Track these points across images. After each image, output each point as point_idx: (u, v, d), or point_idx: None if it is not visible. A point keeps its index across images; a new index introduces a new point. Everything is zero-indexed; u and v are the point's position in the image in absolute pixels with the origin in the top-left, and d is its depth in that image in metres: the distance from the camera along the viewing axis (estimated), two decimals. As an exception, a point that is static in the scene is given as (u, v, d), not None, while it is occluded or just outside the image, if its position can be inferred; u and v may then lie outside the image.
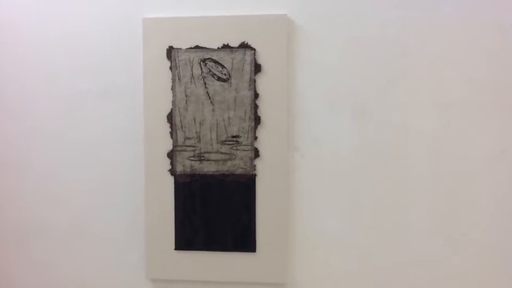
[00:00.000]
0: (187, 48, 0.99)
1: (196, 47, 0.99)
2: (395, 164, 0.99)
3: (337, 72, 0.98)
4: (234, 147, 0.99)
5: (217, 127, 0.99)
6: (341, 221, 1.00)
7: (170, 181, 1.00)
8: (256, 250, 1.00)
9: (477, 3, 0.96)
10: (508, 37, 0.95)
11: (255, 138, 0.99)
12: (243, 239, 0.99)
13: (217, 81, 0.98)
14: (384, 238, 1.00)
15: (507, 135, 0.96)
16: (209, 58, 0.99)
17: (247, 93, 0.98)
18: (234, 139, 0.99)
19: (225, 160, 0.99)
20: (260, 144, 0.99)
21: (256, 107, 0.98)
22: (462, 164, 0.98)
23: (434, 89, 0.97)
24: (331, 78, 0.99)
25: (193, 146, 0.99)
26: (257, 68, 0.98)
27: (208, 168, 0.99)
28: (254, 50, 0.98)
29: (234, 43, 0.98)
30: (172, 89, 1.00)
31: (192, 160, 0.99)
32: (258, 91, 0.98)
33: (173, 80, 1.00)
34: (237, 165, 0.99)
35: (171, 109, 1.00)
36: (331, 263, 1.01)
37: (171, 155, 1.00)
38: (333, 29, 0.98)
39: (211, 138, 0.99)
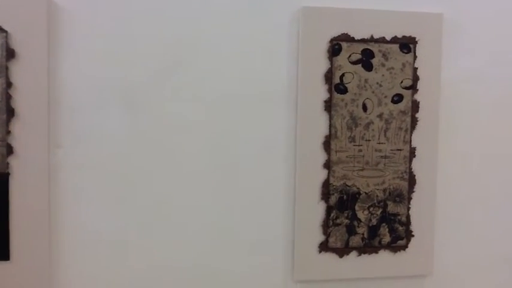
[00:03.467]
0: None
1: None
2: (169, 159, 0.95)
3: (107, 62, 0.91)
4: (-18, 143, 0.87)
5: (-40, 119, 0.86)
6: (112, 221, 0.93)
7: None
8: (11, 258, 0.88)
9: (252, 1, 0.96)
10: (279, 35, 0.96)
11: (8, 132, 0.88)
12: (-7, 247, 0.88)
13: (-39, 66, 0.86)
14: (159, 236, 0.95)
15: (276, 129, 0.97)
16: (-48, 40, 0.86)
17: (-2, 82, 0.87)
18: (-18, 133, 0.87)
19: (-30, 157, 0.86)
20: (15, 140, 0.88)
21: (9, 97, 0.87)
22: (235, 157, 0.97)
23: (208, 83, 0.95)
24: (100, 69, 0.91)
25: None
26: (10, 54, 0.87)
27: (-51, 166, 0.86)
28: (6, 32, 0.87)
29: (-17, 24, 0.86)
30: None
31: None
32: (11, 80, 0.87)
33: None
34: (-16, 163, 0.87)
35: None
36: (100, 264, 0.94)
37: None
38: (103, 16, 0.91)
39: (-48, 132, 0.86)
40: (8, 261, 0.88)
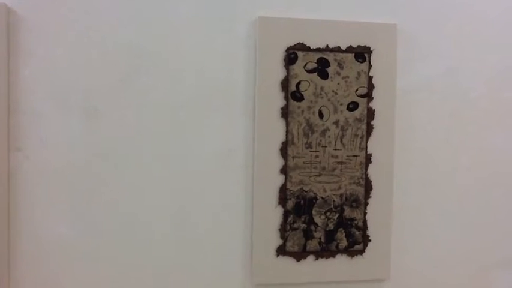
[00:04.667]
0: None
1: None
2: (128, 166, 0.97)
3: (67, 69, 0.94)
4: None
5: None
6: (72, 227, 0.95)
7: None
8: (-32, 262, 0.90)
9: (209, 8, 0.98)
10: (237, 44, 0.99)
11: (-33, 137, 0.90)
12: None
13: None
14: (118, 242, 0.97)
15: (233, 136, 1.00)
16: None
17: (-43, 87, 0.89)
18: None
19: None
20: (-26, 144, 0.90)
21: (-31, 102, 0.90)
22: (194, 163, 0.99)
23: (166, 89, 0.97)
24: (60, 75, 0.94)
25: None
26: (-30, 60, 0.89)
27: None
28: (-33, 40, 0.89)
29: None
30: None
31: None
32: (-29, 85, 0.90)
33: None
34: None
35: None
36: (60, 270, 0.95)
37: None
38: (62, 24, 0.94)
39: None
40: (-35, 264, 0.90)
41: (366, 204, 1.04)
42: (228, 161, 1.00)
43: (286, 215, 1.01)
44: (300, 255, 1.02)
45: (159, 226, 0.98)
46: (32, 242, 0.94)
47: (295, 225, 1.01)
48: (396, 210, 1.06)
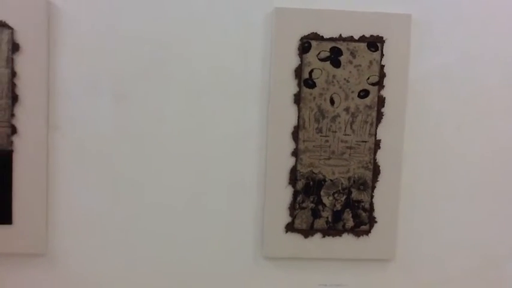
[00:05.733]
0: None
1: (-45, 23, 1.00)
2: (151, 147, 1.06)
3: (98, 56, 1.04)
4: (-10, 124, 1.01)
5: (-27, 103, 1.01)
6: (101, 201, 1.06)
7: None
8: (13, 222, 1.03)
9: (229, 0, 1.05)
10: (254, 34, 1.05)
11: (12, 115, 1.02)
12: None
13: (-26, 58, 1.00)
14: (142, 217, 1.08)
15: (250, 120, 1.07)
16: (-33, 35, 1.00)
17: (4, 72, 1.01)
18: (-10, 115, 1.01)
19: (-20, 135, 1.01)
20: (18, 122, 1.02)
21: (14, 85, 1.01)
22: (212, 145, 1.07)
23: (187, 77, 1.05)
24: (92, 62, 1.04)
25: None
26: (15, 47, 1.01)
27: (-37, 143, 1.01)
28: (12, 29, 1.00)
29: (-7, 21, 1.00)
30: None
31: None
32: (16, 70, 1.01)
33: None
34: (-8, 141, 1.02)
35: None
36: (91, 237, 1.07)
37: None
38: (96, 16, 1.03)
39: (-34, 114, 1.01)
40: (10, 225, 1.03)
41: (374, 187, 1.09)
42: (243, 143, 1.08)
43: (295, 194, 1.08)
44: (307, 232, 1.09)
45: (178, 201, 1.08)
46: (66, 205, 1.06)
47: (304, 205, 1.08)
48: (404, 194, 1.10)
